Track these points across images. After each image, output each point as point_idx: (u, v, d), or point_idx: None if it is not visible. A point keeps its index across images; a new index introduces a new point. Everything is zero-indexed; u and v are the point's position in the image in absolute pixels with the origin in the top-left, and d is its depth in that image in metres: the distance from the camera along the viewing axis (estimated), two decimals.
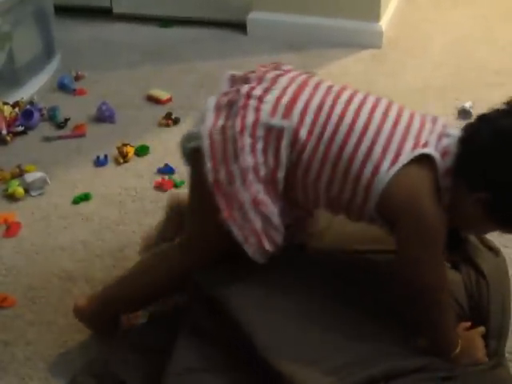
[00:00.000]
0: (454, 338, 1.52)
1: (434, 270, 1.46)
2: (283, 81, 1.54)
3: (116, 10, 3.49)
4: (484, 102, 2.60)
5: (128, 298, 1.66)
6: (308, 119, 1.46)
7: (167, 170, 2.31)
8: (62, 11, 3.29)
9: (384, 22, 3.16)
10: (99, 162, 2.37)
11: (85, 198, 2.21)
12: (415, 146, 1.43)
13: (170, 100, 2.74)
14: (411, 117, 1.48)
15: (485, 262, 1.69)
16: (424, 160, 1.42)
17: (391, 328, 1.53)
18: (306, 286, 1.57)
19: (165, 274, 1.62)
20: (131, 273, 1.68)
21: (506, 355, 1.62)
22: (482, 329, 1.57)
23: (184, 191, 1.77)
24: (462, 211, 1.44)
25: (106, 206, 2.18)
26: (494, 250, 1.74)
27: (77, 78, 2.91)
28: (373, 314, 1.54)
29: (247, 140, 1.45)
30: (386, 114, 1.47)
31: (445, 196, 1.44)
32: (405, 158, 1.42)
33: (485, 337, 1.58)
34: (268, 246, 1.47)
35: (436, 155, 1.42)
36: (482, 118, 1.48)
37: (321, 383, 1.40)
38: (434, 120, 1.51)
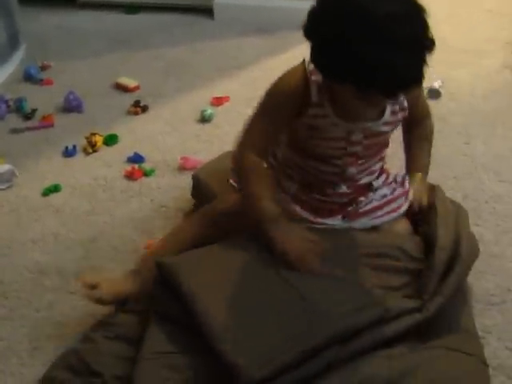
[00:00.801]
0: (265, 210, 1.65)
1: (248, 130, 1.71)
2: None
3: None
4: (453, 80, 2.64)
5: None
6: None
7: (137, 158, 2.29)
8: (26, 1, 3.26)
9: None
10: (68, 153, 2.35)
11: (54, 189, 2.19)
12: None
13: (137, 88, 2.71)
14: None
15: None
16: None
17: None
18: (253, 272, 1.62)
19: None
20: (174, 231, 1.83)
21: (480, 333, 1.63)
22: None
23: None
24: (340, 95, 1.60)
25: (76, 197, 2.16)
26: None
27: (43, 68, 2.88)
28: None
29: None
30: None
31: (321, 89, 1.62)
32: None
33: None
34: None
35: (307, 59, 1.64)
36: None
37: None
38: None
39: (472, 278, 1.77)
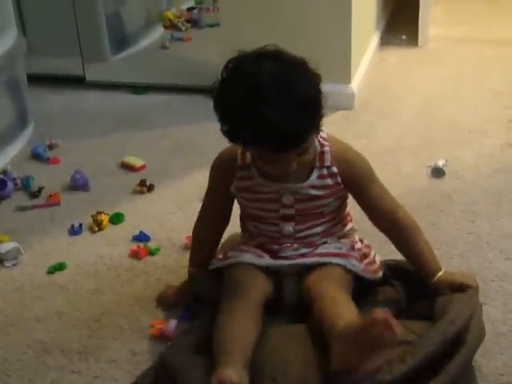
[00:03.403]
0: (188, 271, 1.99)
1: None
2: None
3: (89, 78, 3.51)
4: (457, 159, 2.66)
5: None
6: None
7: (142, 237, 2.30)
8: (35, 80, 3.32)
9: (355, 84, 3.20)
10: (74, 231, 2.36)
11: (60, 267, 2.19)
12: None
13: (143, 167, 2.74)
14: None
15: None
16: None
17: None
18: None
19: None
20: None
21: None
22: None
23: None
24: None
25: (81, 275, 2.16)
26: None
27: (50, 147, 2.91)
28: None
29: None
30: None
31: (244, 152, 1.78)
32: None
33: None
34: None
35: None
36: None
37: None
38: None
39: (480, 357, 1.74)
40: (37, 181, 2.64)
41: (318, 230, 1.83)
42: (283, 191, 1.76)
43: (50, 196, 2.56)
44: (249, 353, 1.61)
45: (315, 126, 1.64)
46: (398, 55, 3.76)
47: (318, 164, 1.75)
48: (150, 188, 2.59)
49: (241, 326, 1.65)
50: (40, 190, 2.59)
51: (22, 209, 2.51)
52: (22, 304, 2.05)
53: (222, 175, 1.83)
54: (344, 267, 1.79)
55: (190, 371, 1.61)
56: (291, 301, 1.83)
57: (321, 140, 1.75)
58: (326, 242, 1.84)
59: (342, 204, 1.86)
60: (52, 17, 3.61)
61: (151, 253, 2.23)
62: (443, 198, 2.44)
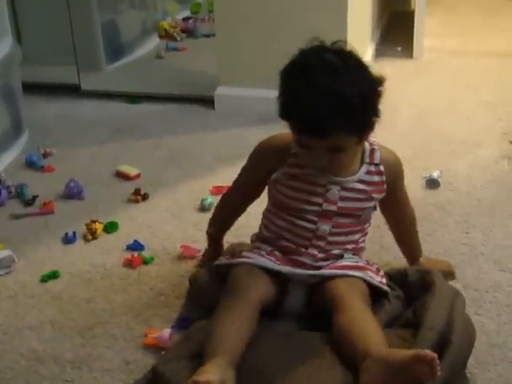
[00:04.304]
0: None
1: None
2: None
3: (84, 87, 3.51)
4: (451, 171, 2.67)
5: None
6: None
7: (136, 246, 2.29)
8: (30, 88, 3.31)
9: None
10: (68, 239, 2.35)
11: (53, 275, 2.18)
12: None
13: (138, 176, 2.73)
14: None
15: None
16: None
17: None
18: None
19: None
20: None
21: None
22: None
23: None
24: None
25: (75, 284, 2.15)
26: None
27: (45, 155, 2.91)
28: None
29: None
30: None
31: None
32: None
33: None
34: None
35: None
36: None
37: None
38: None
39: (474, 369, 1.75)
40: (31, 189, 2.63)
41: (349, 238, 1.86)
42: (330, 185, 1.80)
43: (44, 204, 2.55)
44: (238, 353, 1.63)
45: (349, 128, 1.68)
46: (393, 67, 3.77)
47: (368, 160, 1.82)
48: (145, 197, 2.59)
49: (233, 325, 1.66)
50: (34, 198, 2.59)
51: (16, 217, 2.51)
52: (15, 312, 2.04)
53: (270, 157, 1.87)
54: (362, 279, 1.81)
55: (183, 381, 1.60)
56: (294, 308, 1.83)
57: (371, 140, 1.83)
58: (342, 256, 1.85)
59: (372, 215, 1.92)
60: (47, 25, 3.62)
61: (145, 262, 2.22)
62: (438, 209, 2.45)
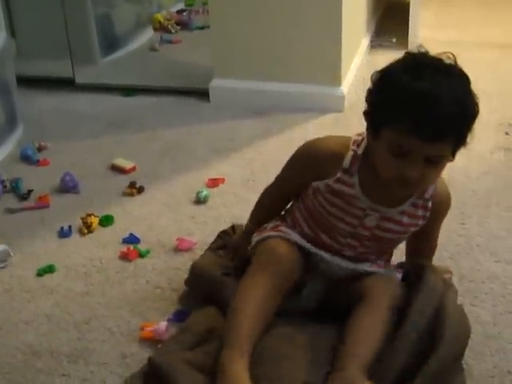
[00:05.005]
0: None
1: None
2: None
3: (79, 80, 3.50)
4: None
5: None
6: None
7: (132, 239, 2.29)
8: (25, 82, 3.30)
9: (345, 86, 3.20)
10: (63, 233, 2.35)
11: (49, 270, 2.18)
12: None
13: (133, 169, 2.73)
14: None
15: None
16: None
17: None
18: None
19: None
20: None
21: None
22: None
23: None
24: (375, 158, 1.67)
25: (71, 278, 2.15)
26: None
27: (40, 149, 2.90)
28: None
29: None
30: None
31: (355, 159, 1.72)
32: None
33: None
34: None
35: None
36: None
37: None
38: None
39: (470, 359, 1.75)
40: (26, 183, 2.63)
41: (373, 257, 1.83)
42: (371, 211, 1.72)
43: (40, 198, 2.55)
44: (256, 337, 1.66)
45: (459, 138, 1.62)
46: (388, 58, 3.73)
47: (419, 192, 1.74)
48: (140, 190, 2.58)
49: (256, 308, 1.67)
50: (29, 192, 2.58)
51: (11, 211, 2.50)
52: (10, 306, 2.04)
53: (317, 170, 1.76)
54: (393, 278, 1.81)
55: (180, 372, 1.60)
56: (307, 302, 1.82)
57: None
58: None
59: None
60: (41, 19, 3.59)
61: (141, 255, 2.22)
62: None
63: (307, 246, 1.79)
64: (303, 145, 1.83)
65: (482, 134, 2.91)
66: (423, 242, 1.89)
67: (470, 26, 4.27)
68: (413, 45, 3.85)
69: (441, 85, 1.55)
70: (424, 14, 4.05)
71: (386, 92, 1.62)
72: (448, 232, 2.27)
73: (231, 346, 1.63)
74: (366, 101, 1.67)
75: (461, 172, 2.63)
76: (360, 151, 1.72)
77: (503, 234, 2.28)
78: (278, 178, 1.91)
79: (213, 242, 2.14)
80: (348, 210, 1.73)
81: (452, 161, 1.67)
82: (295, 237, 1.80)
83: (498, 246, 2.21)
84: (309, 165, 1.79)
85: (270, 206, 1.93)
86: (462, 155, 2.72)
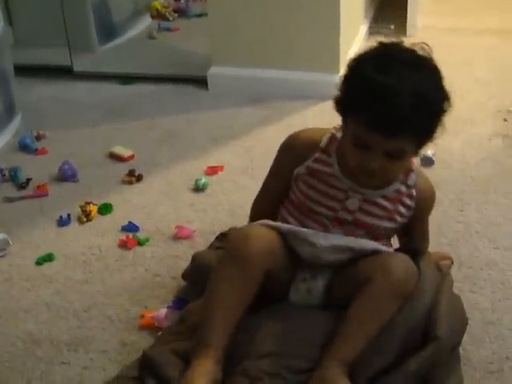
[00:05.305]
0: None
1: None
2: None
3: (76, 68, 3.49)
4: (445, 149, 2.66)
5: None
6: None
7: (131, 227, 2.29)
8: (22, 71, 3.29)
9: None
10: (62, 222, 2.35)
11: (48, 258, 2.18)
12: None
13: (132, 157, 2.73)
14: None
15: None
16: None
17: None
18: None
19: None
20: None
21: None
22: None
23: None
24: (344, 146, 1.67)
25: (70, 266, 2.15)
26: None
27: (38, 138, 2.90)
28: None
29: None
30: None
31: (332, 140, 1.74)
32: None
33: None
34: None
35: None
36: None
37: None
38: None
39: (469, 346, 1.76)
40: (25, 172, 2.63)
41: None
42: (352, 193, 1.71)
43: (38, 187, 2.55)
44: (229, 336, 1.63)
45: (420, 133, 1.60)
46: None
47: (401, 179, 1.73)
48: (139, 178, 2.58)
49: (228, 305, 1.63)
50: (28, 181, 2.58)
51: (10, 200, 2.50)
52: (10, 295, 2.04)
53: (296, 155, 1.76)
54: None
55: (170, 365, 1.62)
56: (312, 299, 1.76)
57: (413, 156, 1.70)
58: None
59: (391, 237, 1.85)
60: (38, 7, 3.58)
61: (140, 243, 2.22)
62: None
63: (287, 228, 1.73)
64: (285, 139, 1.84)
65: (481, 121, 2.92)
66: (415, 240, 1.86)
67: (469, 12, 4.26)
68: (411, 32, 3.86)
69: (404, 79, 1.54)
70: (423, 0, 4.03)
71: (350, 81, 1.63)
72: (446, 219, 2.28)
73: (200, 340, 1.62)
74: (338, 88, 1.67)
75: (459, 159, 2.63)
76: (339, 135, 1.72)
77: (501, 220, 2.28)
78: (264, 182, 1.90)
79: (212, 243, 2.11)
80: (329, 193, 1.71)
81: (417, 155, 1.67)
82: (276, 223, 1.75)
83: (496, 233, 2.21)
84: (289, 154, 1.80)
85: (261, 214, 1.84)
86: (460, 142, 2.74)
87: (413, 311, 1.65)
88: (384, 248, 1.74)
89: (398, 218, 1.75)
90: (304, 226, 1.74)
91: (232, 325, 1.63)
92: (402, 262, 1.67)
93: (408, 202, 1.75)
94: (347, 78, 1.64)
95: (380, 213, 1.73)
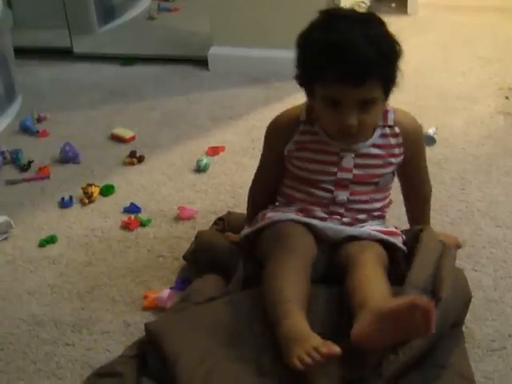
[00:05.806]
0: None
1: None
2: None
3: (76, 50, 3.49)
4: (447, 127, 2.66)
5: None
6: None
7: (133, 208, 2.29)
8: (22, 53, 3.29)
9: None
10: (64, 204, 2.35)
11: (51, 240, 2.18)
12: None
13: (133, 138, 2.72)
14: None
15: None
16: None
17: None
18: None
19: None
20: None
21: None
22: None
23: None
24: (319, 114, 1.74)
25: (73, 248, 2.15)
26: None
27: (39, 120, 2.90)
28: None
29: None
30: None
31: (310, 110, 1.78)
32: None
33: None
34: None
35: None
36: None
37: None
38: None
39: (471, 324, 1.76)
40: (26, 154, 2.63)
41: (371, 206, 1.81)
42: (344, 152, 1.76)
43: (40, 169, 2.55)
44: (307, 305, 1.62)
45: (385, 77, 1.67)
46: (387, 23, 3.73)
47: (381, 123, 1.78)
48: (141, 159, 2.58)
49: (296, 282, 1.63)
50: (30, 163, 2.58)
51: (12, 182, 2.50)
52: (13, 277, 2.05)
53: (281, 136, 1.82)
54: (393, 245, 1.78)
55: (171, 334, 1.61)
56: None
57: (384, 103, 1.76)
58: (367, 221, 1.81)
59: (392, 181, 1.87)
60: None
61: (142, 224, 2.22)
62: (434, 166, 2.44)
63: (299, 217, 1.77)
64: (267, 127, 1.88)
65: (482, 99, 2.91)
66: (413, 190, 1.91)
67: None
68: (412, 9, 3.84)
69: (353, 30, 1.62)
70: None
71: (305, 51, 1.70)
72: (448, 197, 2.28)
73: (284, 301, 1.59)
74: (295, 66, 1.73)
75: (461, 137, 2.62)
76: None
77: (503, 198, 2.28)
78: (258, 168, 1.95)
79: (210, 228, 2.10)
80: (322, 160, 1.77)
81: (386, 100, 1.73)
82: (289, 215, 1.78)
83: (498, 211, 2.21)
84: (275, 136, 1.85)
85: (259, 199, 1.93)
86: (462, 120, 2.73)
87: (420, 278, 1.65)
88: (386, 237, 1.78)
89: (393, 160, 1.80)
90: (311, 196, 1.79)
91: (306, 298, 1.63)
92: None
93: (395, 140, 1.79)
94: (301, 50, 1.71)
95: (376, 162, 1.78)
